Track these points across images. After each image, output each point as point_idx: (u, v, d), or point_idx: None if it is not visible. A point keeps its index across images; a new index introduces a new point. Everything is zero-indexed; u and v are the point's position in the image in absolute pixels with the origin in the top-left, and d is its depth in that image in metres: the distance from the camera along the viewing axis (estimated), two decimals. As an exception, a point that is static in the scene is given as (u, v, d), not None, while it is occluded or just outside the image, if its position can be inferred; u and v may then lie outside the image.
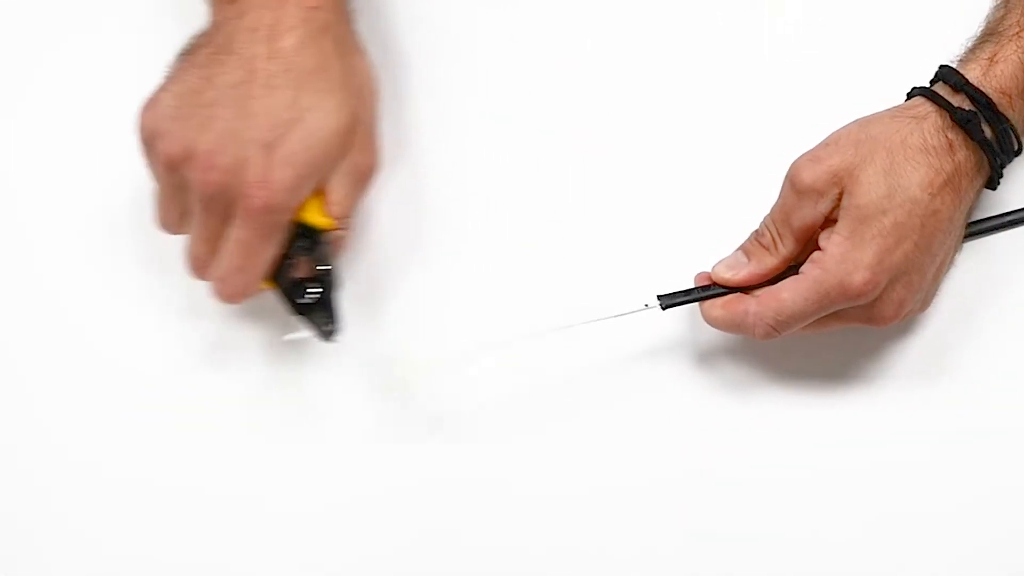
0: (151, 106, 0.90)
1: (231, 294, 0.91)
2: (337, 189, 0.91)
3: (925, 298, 0.93)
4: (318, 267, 0.92)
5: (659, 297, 0.92)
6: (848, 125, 0.91)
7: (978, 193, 0.92)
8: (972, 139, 0.89)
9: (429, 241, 0.99)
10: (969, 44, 0.93)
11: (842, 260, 0.87)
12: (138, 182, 0.93)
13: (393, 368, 0.96)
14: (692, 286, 0.93)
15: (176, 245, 0.93)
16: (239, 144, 0.88)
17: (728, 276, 0.92)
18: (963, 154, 0.89)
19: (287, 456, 0.96)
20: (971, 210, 0.93)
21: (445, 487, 0.95)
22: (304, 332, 0.93)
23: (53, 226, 1.00)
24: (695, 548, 0.93)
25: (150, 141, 0.90)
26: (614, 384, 0.96)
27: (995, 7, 0.95)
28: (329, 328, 0.92)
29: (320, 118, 0.89)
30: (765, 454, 0.94)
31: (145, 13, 1.03)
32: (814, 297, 0.88)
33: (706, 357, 0.96)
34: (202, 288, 0.92)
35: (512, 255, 0.98)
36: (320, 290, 0.92)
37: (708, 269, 0.93)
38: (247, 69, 0.88)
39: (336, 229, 0.92)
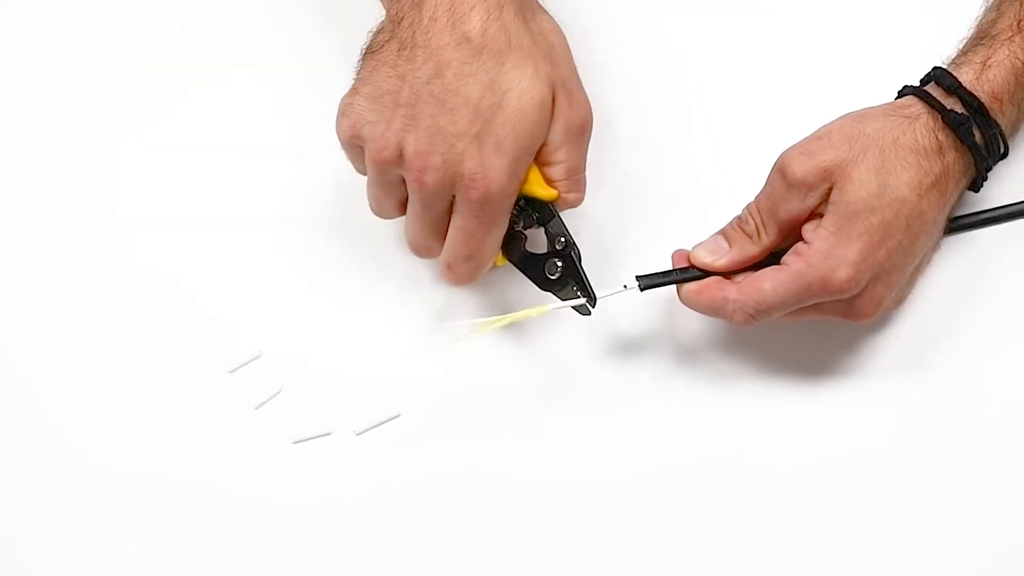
0: (348, 111, 0.89)
1: (459, 280, 0.92)
2: (556, 152, 0.91)
3: (900, 295, 0.93)
4: (556, 240, 0.92)
5: (638, 278, 0.92)
6: (840, 119, 0.91)
7: (961, 195, 0.93)
8: (962, 143, 0.90)
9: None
10: (961, 46, 0.93)
11: (827, 255, 0.88)
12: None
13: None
14: (671, 268, 0.92)
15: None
16: (447, 140, 0.87)
17: (708, 261, 0.92)
18: (952, 156, 0.90)
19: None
20: (953, 210, 0.93)
21: (432, 483, 0.95)
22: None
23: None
24: (681, 539, 0.94)
25: (357, 145, 0.90)
26: (596, 375, 0.96)
27: (987, 9, 0.95)
28: (583, 299, 0.91)
29: (519, 96, 0.88)
30: (746, 447, 0.95)
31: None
32: (795, 289, 0.88)
33: (688, 350, 0.96)
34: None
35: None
36: (562, 264, 0.92)
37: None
38: (437, 61, 0.88)
39: (560, 197, 0.91)
